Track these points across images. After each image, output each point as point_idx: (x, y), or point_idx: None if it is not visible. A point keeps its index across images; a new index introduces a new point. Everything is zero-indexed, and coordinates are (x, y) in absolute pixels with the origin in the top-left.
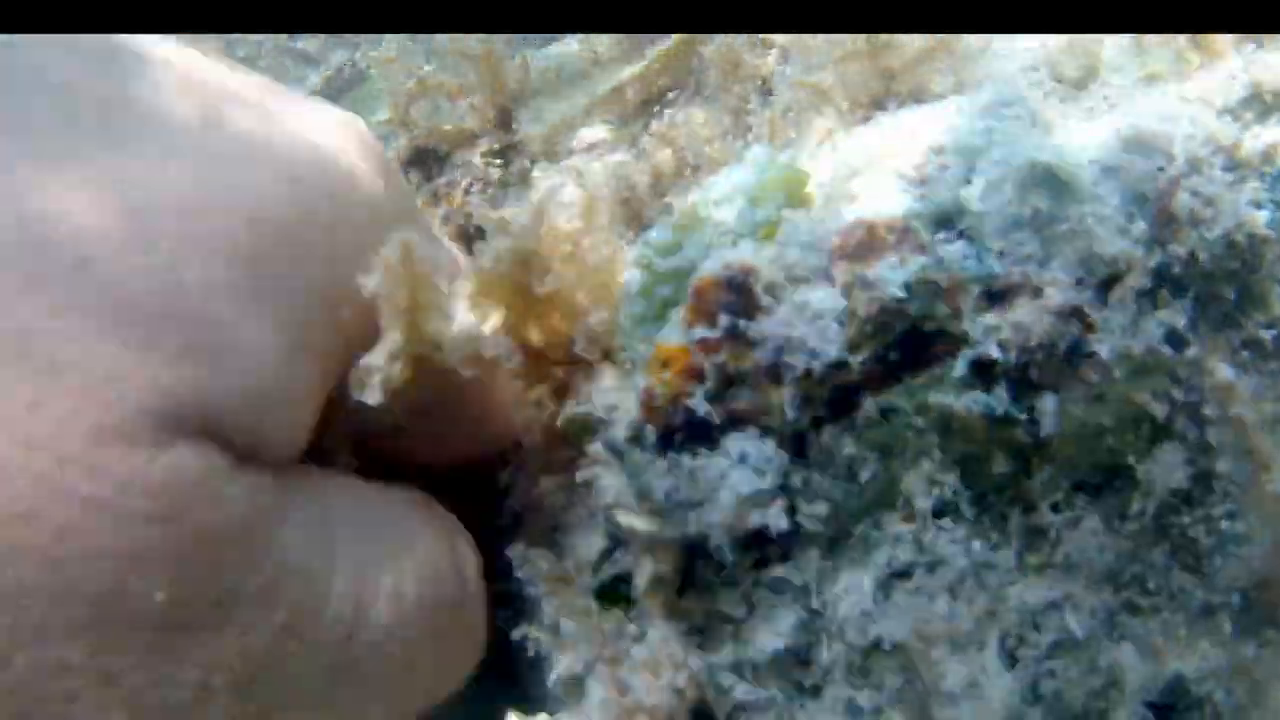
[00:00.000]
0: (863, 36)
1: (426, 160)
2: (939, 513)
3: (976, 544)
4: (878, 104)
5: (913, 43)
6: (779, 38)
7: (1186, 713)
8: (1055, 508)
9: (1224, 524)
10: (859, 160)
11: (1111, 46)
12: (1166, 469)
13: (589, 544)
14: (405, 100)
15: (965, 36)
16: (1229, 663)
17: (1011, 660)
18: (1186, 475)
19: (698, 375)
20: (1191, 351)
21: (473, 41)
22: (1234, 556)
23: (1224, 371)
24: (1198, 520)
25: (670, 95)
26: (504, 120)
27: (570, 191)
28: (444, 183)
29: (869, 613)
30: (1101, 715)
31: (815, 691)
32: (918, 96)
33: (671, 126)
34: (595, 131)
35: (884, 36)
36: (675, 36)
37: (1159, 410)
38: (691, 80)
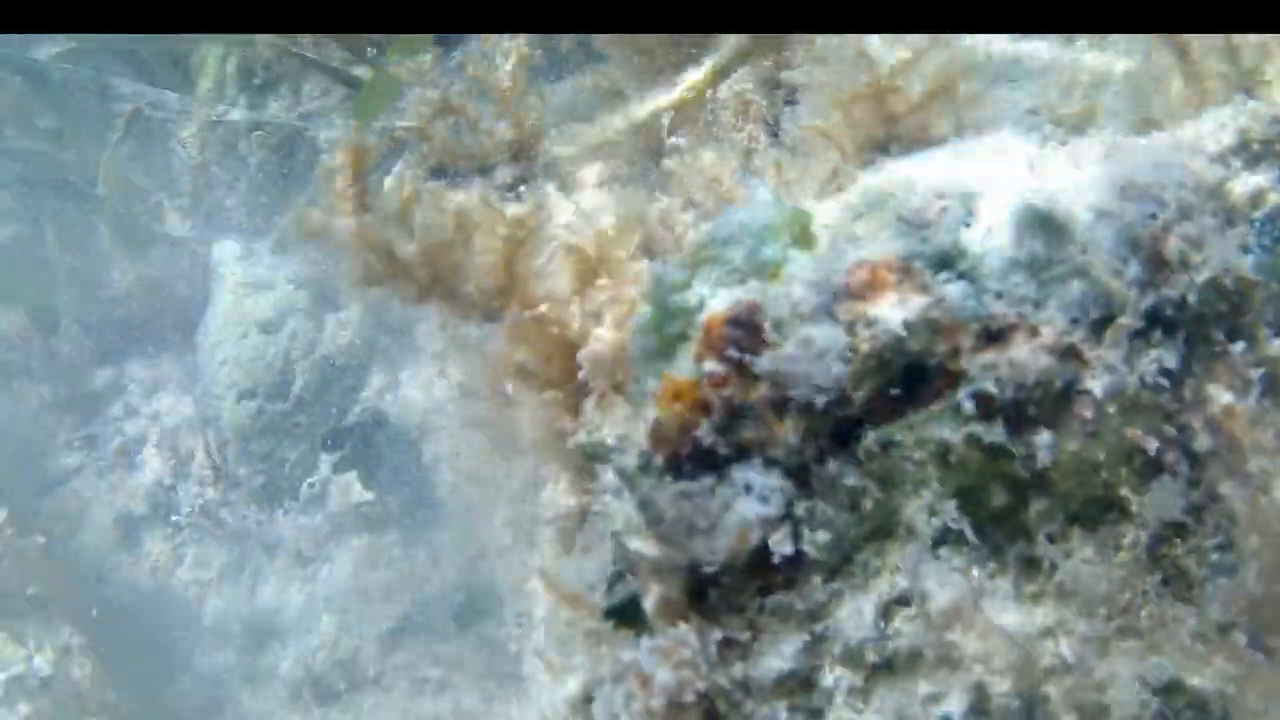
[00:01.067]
0: (865, 79)
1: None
2: (938, 542)
3: (975, 572)
4: (881, 147)
5: (915, 88)
6: (787, 76)
7: None
8: (1051, 538)
9: (1214, 555)
10: (862, 202)
11: (1109, 92)
12: (1159, 502)
13: (602, 566)
14: (430, 112)
15: (966, 81)
16: (1219, 686)
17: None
18: (1179, 508)
19: (706, 408)
20: (1183, 389)
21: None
22: (1225, 585)
23: (1224, 396)
24: (1190, 551)
25: (682, 133)
26: (519, 152)
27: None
28: None
29: (871, 638)
30: None
31: (818, 714)
32: (920, 139)
33: (683, 164)
34: (609, 166)
35: (888, 80)
36: (690, 79)
37: (1151, 445)
38: (703, 119)
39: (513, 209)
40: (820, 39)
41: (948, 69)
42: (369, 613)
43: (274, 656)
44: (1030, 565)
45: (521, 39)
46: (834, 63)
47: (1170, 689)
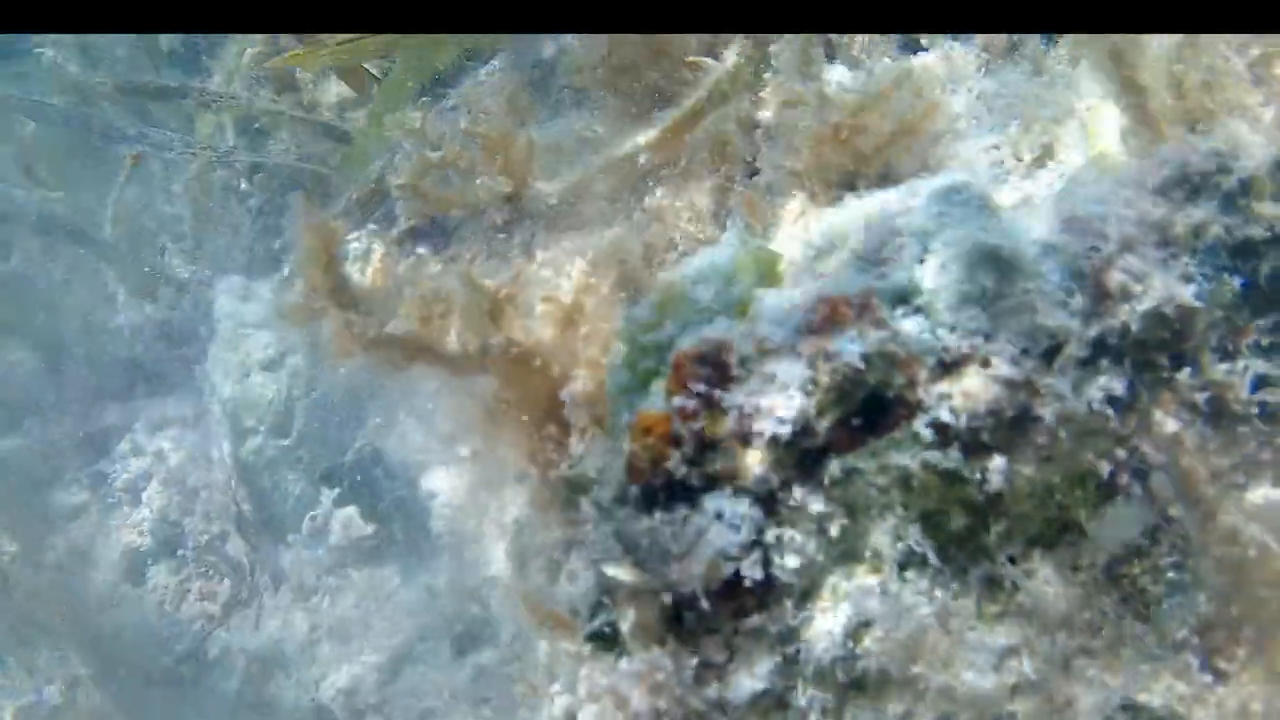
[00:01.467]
0: (833, 122)
1: (434, 232)
2: (904, 565)
3: (939, 593)
4: (849, 184)
5: (881, 127)
6: (764, 116)
7: None
8: (1012, 560)
9: (1170, 574)
10: (824, 240)
11: (1068, 128)
12: (1113, 524)
13: (585, 593)
14: (421, 171)
15: (930, 120)
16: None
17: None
18: (1133, 530)
19: (677, 440)
20: (1132, 414)
21: (486, 123)
22: (1179, 605)
23: (1169, 425)
24: (1146, 570)
25: (663, 173)
26: (509, 196)
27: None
28: (451, 254)
29: (841, 658)
30: None
31: None
32: (886, 176)
33: (662, 203)
34: (594, 206)
35: (852, 120)
36: (670, 118)
37: (1104, 469)
38: (683, 158)
39: (492, 283)
40: (786, 81)
41: (912, 108)
42: (370, 643)
43: (277, 686)
44: (992, 585)
45: (509, 83)
46: (803, 104)
47: (1126, 708)
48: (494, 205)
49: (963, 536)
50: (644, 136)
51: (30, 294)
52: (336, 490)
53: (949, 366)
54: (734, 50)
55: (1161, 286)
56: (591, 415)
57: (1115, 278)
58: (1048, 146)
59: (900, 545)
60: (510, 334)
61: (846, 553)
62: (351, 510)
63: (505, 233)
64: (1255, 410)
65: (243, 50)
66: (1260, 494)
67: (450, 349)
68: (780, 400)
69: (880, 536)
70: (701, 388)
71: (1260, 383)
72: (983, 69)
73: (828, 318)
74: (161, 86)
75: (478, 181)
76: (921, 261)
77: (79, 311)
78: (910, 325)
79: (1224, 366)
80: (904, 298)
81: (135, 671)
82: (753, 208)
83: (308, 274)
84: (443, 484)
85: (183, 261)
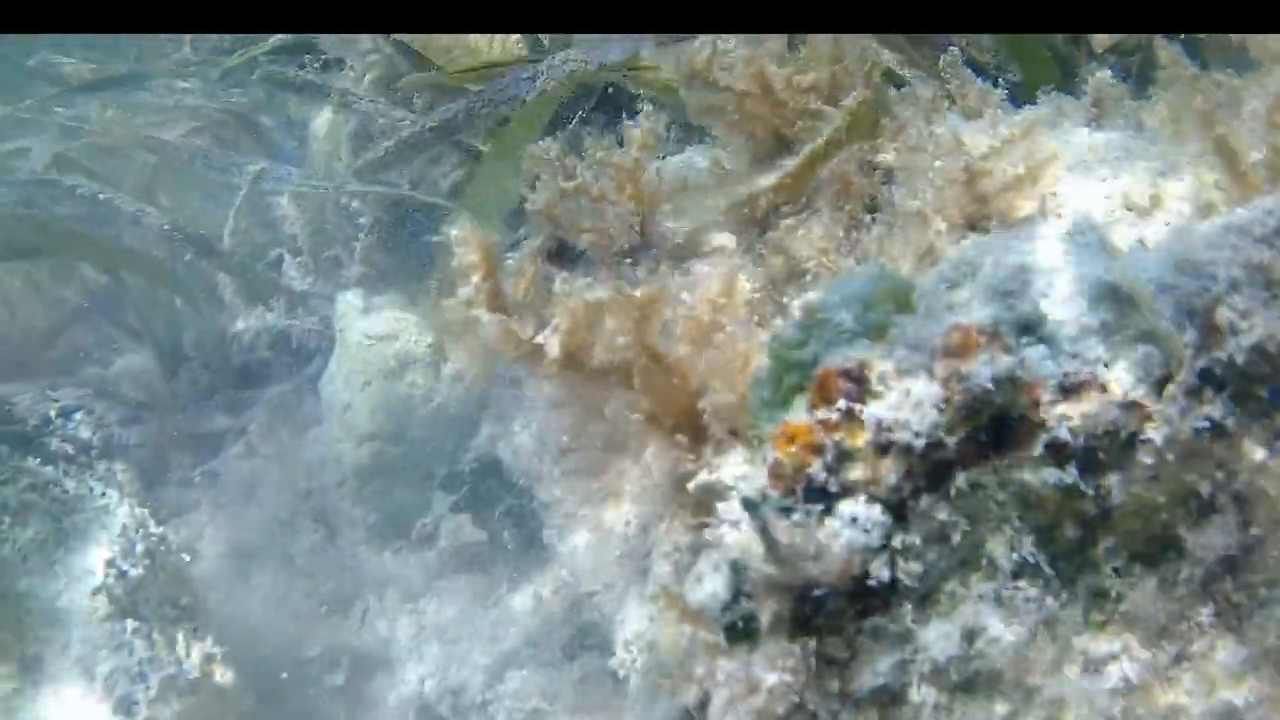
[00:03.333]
0: (963, 164)
1: (564, 255)
2: (1017, 574)
3: (1049, 600)
4: (972, 224)
5: (1004, 171)
6: (884, 159)
7: None
8: (1118, 572)
9: (1263, 591)
10: (955, 273)
11: (1175, 180)
12: (1210, 539)
13: (714, 592)
14: (555, 198)
15: (1049, 168)
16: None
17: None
18: (1228, 546)
19: (818, 449)
20: (1232, 440)
21: (619, 153)
22: (1268, 618)
23: (1259, 453)
24: (1239, 587)
25: (785, 209)
26: (638, 224)
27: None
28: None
29: (954, 659)
30: None
31: None
32: (1006, 217)
33: (787, 235)
34: (719, 238)
35: (980, 166)
36: (793, 164)
37: (1205, 489)
38: (804, 197)
39: (641, 291)
40: (912, 124)
41: (1034, 156)
42: (478, 645)
43: (383, 684)
44: (1099, 596)
45: (649, 120)
46: (931, 148)
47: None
48: (623, 234)
49: (1072, 549)
50: (767, 180)
51: (152, 302)
52: (451, 497)
53: (1069, 390)
54: (854, 98)
55: (1263, 324)
56: (728, 427)
57: (1223, 314)
58: (1155, 197)
59: (1015, 556)
60: (653, 344)
61: (964, 560)
62: (464, 517)
63: (631, 258)
64: None
65: (362, 75)
66: None
67: (596, 360)
68: (915, 416)
69: (997, 546)
70: (843, 402)
71: None
72: (1093, 123)
73: (960, 343)
74: (307, 81)
75: (608, 211)
76: (1046, 296)
77: (198, 319)
78: (1035, 353)
79: None
80: (1030, 328)
81: (258, 660)
82: (883, 243)
83: (471, 282)
84: (556, 494)
85: (299, 274)
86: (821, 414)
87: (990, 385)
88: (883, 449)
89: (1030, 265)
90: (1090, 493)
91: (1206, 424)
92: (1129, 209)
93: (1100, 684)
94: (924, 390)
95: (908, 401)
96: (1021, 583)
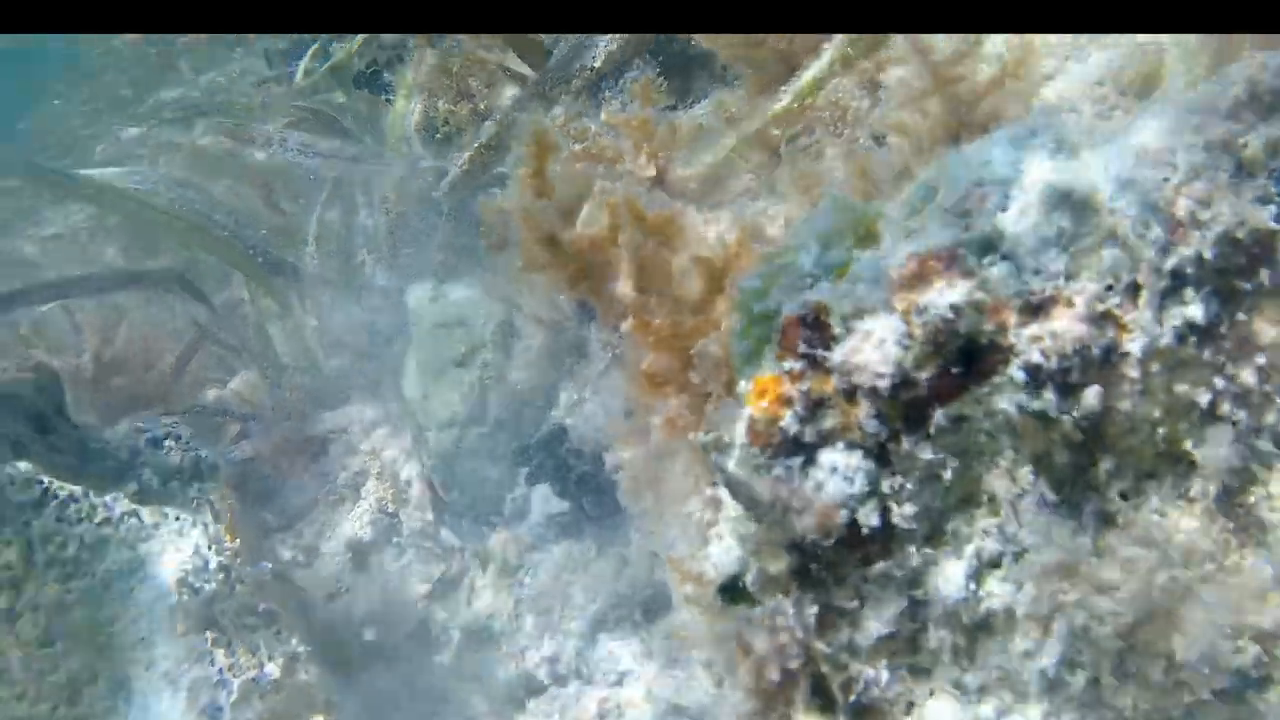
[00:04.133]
0: (929, 71)
1: None
2: (1019, 506)
3: (1056, 531)
4: (955, 137)
5: (981, 72)
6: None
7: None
8: (1124, 495)
9: None
10: (916, 197)
11: (1172, 55)
12: (1219, 451)
13: (726, 550)
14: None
15: (1028, 63)
16: None
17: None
18: (1238, 454)
19: (788, 401)
20: (1225, 341)
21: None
22: None
23: (1272, 332)
24: (1263, 498)
25: (798, 141)
26: (654, 179)
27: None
28: None
29: (966, 599)
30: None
31: (925, 673)
32: (994, 124)
33: (795, 171)
34: (739, 182)
35: (946, 69)
36: (794, 87)
37: (1203, 398)
38: (809, 125)
39: (655, 212)
40: (897, 38)
41: (1010, 50)
42: (569, 612)
43: (488, 656)
44: (1106, 520)
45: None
46: (906, 59)
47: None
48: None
49: (1071, 475)
50: (769, 108)
51: (242, 316)
52: (525, 470)
53: (1036, 309)
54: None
55: (1229, 211)
56: (723, 381)
57: (1183, 205)
58: (1149, 75)
59: (1014, 487)
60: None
61: (964, 498)
62: (545, 488)
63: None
64: None
65: (417, 69)
66: None
67: (611, 288)
68: (877, 355)
69: (995, 480)
70: (806, 349)
71: None
72: None
73: (916, 272)
74: (387, 84)
75: (628, 168)
76: (1004, 209)
77: (292, 325)
78: (998, 272)
79: None
80: (990, 246)
81: (355, 650)
82: (866, 170)
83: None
84: (624, 458)
85: (380, 268)
86: (787, 364)
87: (950, 314)
88: (850, 394)
89: (986, 178)
90: (1071, 415)
91: (1187, 327)
92: (1121, 94)
93: (1118, 610)
94: (885, 327)
95: (869, 341)
96: (1026, 514)
